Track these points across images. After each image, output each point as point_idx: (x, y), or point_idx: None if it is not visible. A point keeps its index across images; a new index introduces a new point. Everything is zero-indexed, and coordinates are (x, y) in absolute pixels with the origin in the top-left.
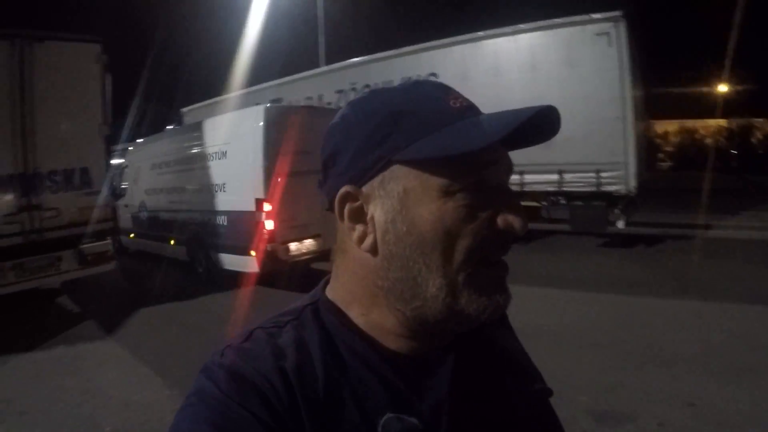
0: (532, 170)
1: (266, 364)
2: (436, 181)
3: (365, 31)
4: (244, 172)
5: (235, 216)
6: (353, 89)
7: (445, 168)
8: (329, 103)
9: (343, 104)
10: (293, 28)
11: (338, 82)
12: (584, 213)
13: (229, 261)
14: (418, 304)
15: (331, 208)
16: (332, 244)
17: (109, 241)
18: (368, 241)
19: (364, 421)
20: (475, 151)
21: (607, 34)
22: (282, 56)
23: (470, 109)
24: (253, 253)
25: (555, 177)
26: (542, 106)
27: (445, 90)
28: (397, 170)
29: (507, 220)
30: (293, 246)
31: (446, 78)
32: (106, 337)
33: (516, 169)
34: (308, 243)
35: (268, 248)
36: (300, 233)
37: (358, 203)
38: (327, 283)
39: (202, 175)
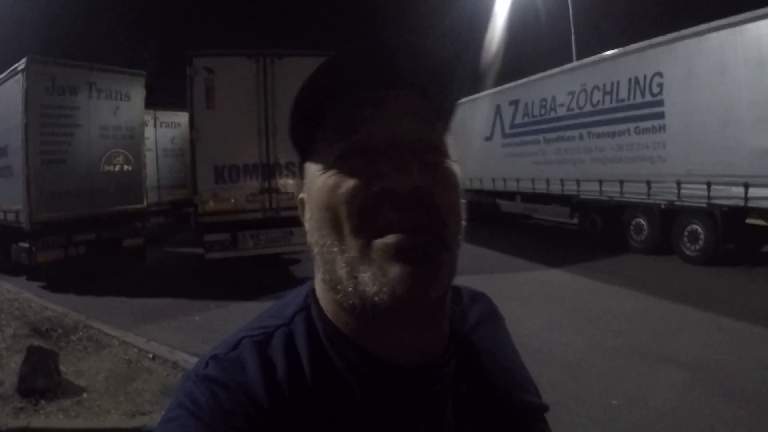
0: (760, 183)
1: (253, 377)
2: (318, 160)
3: (622, 23)
4: None
5: None
6: (583, 90)
7: (320, 147)
8: (561, 105)
9: (574, 106)
10: (545, 24)
11: (569, 84)
12: None
13: None
14: (341, 292)
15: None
16: None
17: None
18: (307, 235)
19: None
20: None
21: None
22: (535, 53)
23: None
24: None
25: None
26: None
27: None
28: (308, 164)
29: (381, 176)
30: None
31: (671, 78)
32: None
33: (739, 180)
34: None
35: None
36: None
37: (304, 203)
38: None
39: None
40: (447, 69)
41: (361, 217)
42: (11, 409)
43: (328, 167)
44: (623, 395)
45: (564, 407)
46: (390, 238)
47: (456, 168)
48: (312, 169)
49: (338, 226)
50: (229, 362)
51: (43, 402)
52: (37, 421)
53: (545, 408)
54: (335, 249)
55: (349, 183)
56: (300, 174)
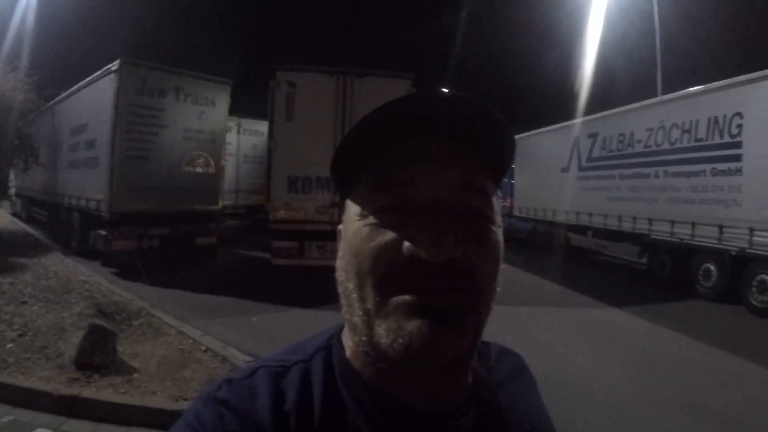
0: None
1: (262, 404)
2: (355, 205)
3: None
4: None
5: None
6: (662, 127)
7: (363, 191)
8: (639, 141)
9: (652, 143)
10: (633, 57)
11: (648, 120)
12: None
13: None
14: (358, 336)
15: None
16: None
17: None
18: (336, 271)
19: None
20: (343, 158)
21: None
22: (622, 84)
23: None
24: None
25: None
26: (409, 96)
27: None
28: (348, 201)
29: (414, 242)
30: None
31: (750, 119)
32: None
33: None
34: None
35: None
36: None
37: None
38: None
39: None
40: (500, 128)
41: (385, 276)
42: (66, 378)
43: (365, 215)
44: None
45: None
46: (409, 296)
47: (500, 235)
48: (351, 209)
49: (362, 275)
50: (242, 388)
51: (96, 376)
52: (87, 392)
53: None
54: (355, 295)
55: (382, 239)
56: (341, 206)
